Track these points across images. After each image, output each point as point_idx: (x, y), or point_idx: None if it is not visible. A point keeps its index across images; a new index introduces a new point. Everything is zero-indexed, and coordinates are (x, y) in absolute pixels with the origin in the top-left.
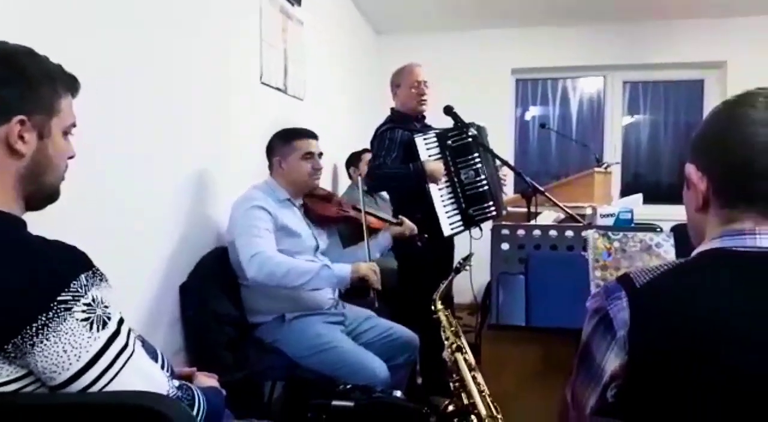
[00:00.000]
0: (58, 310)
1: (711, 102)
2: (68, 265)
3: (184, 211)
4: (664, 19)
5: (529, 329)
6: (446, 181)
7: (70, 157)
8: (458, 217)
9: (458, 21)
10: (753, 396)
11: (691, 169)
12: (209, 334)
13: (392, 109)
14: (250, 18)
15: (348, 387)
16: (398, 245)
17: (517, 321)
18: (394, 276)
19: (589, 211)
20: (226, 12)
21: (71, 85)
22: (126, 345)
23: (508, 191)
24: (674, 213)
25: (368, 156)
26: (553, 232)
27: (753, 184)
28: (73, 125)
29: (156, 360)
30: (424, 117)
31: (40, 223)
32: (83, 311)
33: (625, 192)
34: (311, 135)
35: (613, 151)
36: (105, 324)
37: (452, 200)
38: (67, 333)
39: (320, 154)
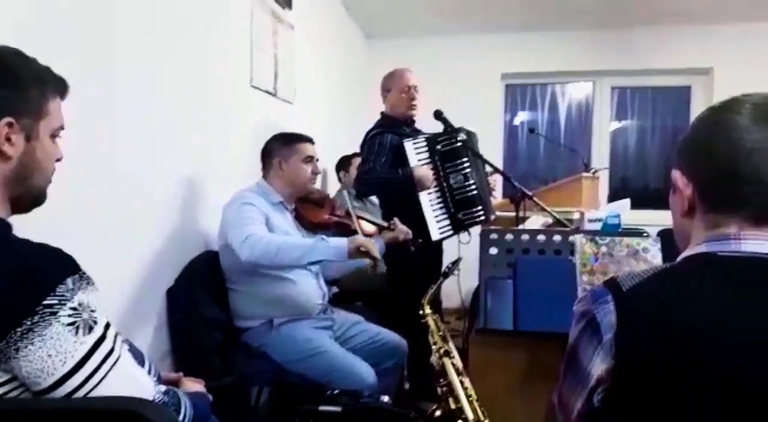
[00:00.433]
0: (44, 314)
1: (697, 108)
2: (54, 269)
3: (172, 214)
4: (652, 25)
5: (516, 333)
6: (435, 186)
7: (58, 160)
8: (447, 222)
9: (448, 26)
10: (738, 398)
11: (677, 175)
12: (196, 339)
13: (382, 114)
14: (241, 21)
15: (335, 392)
16: (388, 249)
17: (505, 325)
18: (383, 280)
19: (576, 216)
20: (216, 15)
21: (60, 87)
22: (112, 350)
23: (497, 195)
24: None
25: (358, 160)
26: (541, 237)
27: (738, 189)
28: (62, 128)
29: (143, 365)
30: (413, 121)
31: (26, 226)
32: (69, 315)
33: (613, 197)
34: (310, 140)
35: (600, 156)
36: (91, 328)
37: (441, 204)
38: (52, 338)
39: (317, 159)
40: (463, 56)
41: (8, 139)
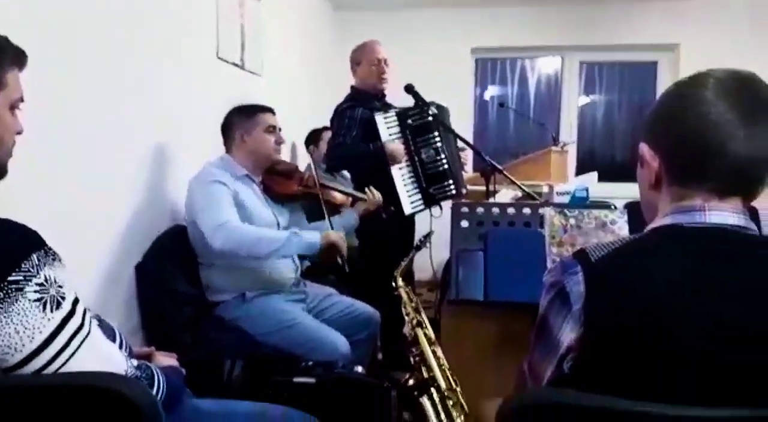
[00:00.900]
0: (9, 291)
1: (664, 83)
2: (19, 244)
3: (139, 188)
4: (621, 2)
5: (487, 304)
6: (407, 160)
7: (18, 133)
8: (419, 196)
9: None
10: (702, 366)
11: (644, 148)
12: (167, 314)
13: (352, 87)
14: None
15: (310, 363)
16: (361, 221)
17: (476, 296)
18: (356, 253)
19: (545, 189)
20: None
21: (18, 58)
22: (81, 325)
23: (468, 169)
24: (628, 191)
25: (328, 134)
26: (511, 210)
27: (703, 161)
28: (21, 100)
29: (114, 340)
30: (384, 95)
31: None
32: (36, 291)
33: (581, 170)
34: (270, 109)
35: (569, 130)
36: (59, 304)
37: (413, 179)
38: (18, 314)
39: (280, 129)
40: (433, 30)
41: None
